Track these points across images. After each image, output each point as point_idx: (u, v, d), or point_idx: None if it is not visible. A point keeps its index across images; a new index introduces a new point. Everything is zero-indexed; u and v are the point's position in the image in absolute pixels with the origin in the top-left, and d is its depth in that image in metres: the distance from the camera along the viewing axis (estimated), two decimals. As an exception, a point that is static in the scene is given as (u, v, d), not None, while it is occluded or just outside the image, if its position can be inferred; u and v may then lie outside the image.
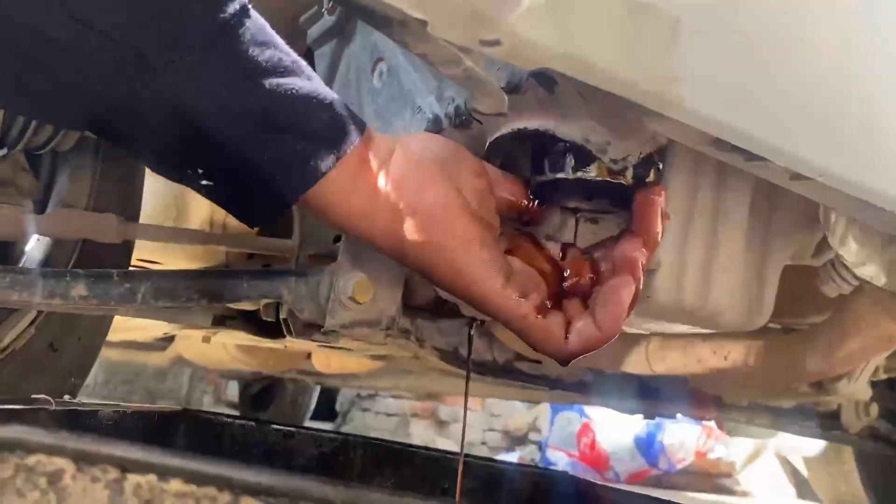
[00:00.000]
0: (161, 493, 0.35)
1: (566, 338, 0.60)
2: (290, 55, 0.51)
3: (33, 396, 0.64)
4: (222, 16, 0.46)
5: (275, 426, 1.07)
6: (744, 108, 0.42)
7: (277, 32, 1.03)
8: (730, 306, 0.85)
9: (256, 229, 1.31)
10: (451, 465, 1.09)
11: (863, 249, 0.75)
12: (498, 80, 0.70)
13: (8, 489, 0.34)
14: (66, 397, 0.69)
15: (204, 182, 0.52)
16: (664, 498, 0.83)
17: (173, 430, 0.97)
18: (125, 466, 0.35)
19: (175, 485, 0.36)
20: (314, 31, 0.96)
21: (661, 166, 0.74)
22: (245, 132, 0.49)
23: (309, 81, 0.51)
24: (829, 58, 0.42)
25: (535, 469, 1.09)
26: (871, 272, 0.74)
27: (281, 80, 0.49)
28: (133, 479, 0.35)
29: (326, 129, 0.52)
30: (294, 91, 0.50)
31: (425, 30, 0.38)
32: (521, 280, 0.60)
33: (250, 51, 0.48)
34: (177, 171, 0.53)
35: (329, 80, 0.92)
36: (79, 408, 0.69)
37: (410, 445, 1.13)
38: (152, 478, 0.36)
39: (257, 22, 0.49)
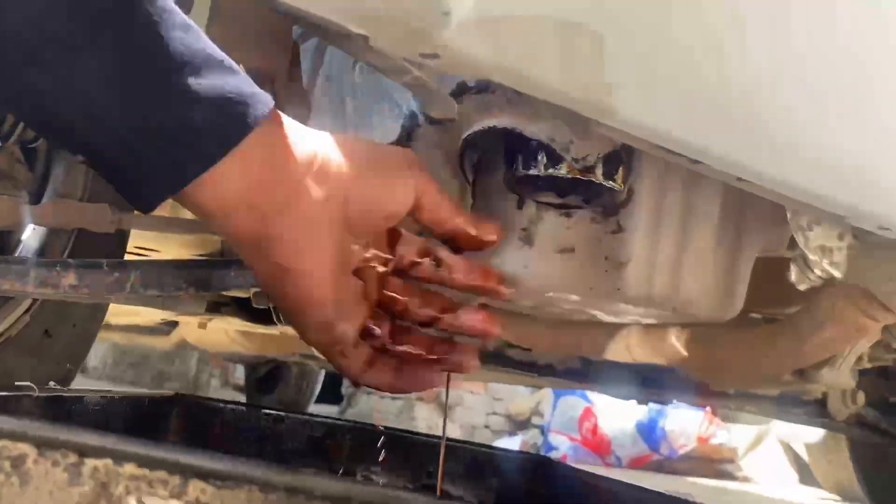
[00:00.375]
0: (116, 476, 0.38)
1: (366, 369, 0.59)
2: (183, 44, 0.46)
3: (17, 384, 0.67)
4: (101, 7, 0.44)
5: (266, 411, 1.09)
6: (675, 115, 0.44)
7: (264, 27, 1.03)
8: (700, 299, 0.87)
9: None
10: (437, 449, 1.11)
11: (823, 245, 0.77)
12: (468, 78, 0.72)
13: (-25, 472, 0.37)
14: (52, 384, 0.72)
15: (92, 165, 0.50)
16: (631, 482, 0.86)
17: (165, 416, 1.00)
18: (83, 451, 0.38)
19: (129, 468, 0.38)
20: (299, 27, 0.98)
21: (628, 165, 0.76)
22: (108, 135, 0.46)
23: (196, 78, 0.47)
24: (758, 63, 0.44)
25: (519, 453, 1.12)
26: (832, 267, 0.76)
27: (157, 79, 0.46)
28: (90, 462, 0.38)
29: (205, 128, 0.47)
30: (166, 90, 0.46)
31: (368, 44, 0.40)
32: (349, 314, 0.57)
33: (125, 48, 0.45)
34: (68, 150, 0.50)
35: (313, 75, 0.95)
36: (63, 394, 0.72)
37: (397, 430, 1.16)
38: (108, 461, 0.38)
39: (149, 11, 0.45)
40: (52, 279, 0.83)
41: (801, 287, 0.88)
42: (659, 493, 0.84)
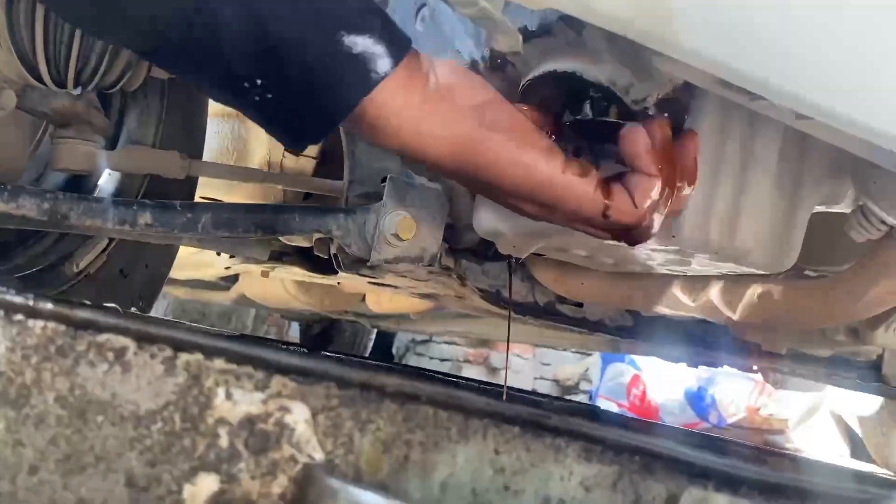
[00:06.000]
0: (207, 370, 0.42)
1: (635, 206, 0.63)
2: None
3: (104, 305, 0.72)
4: None
5: (327, 354, 1.14)
6: (738, 46, 0.45)
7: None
8: (756, 248, 0.87)
9: (311, 170, 1.37)
10: (491, 395, 1.15)
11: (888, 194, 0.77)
12: (529, 22, 0.74)
13: (82, 361, 0.41)
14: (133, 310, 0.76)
15: (258, 97, 0.53)
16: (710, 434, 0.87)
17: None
18: (177, 346, 0.42)
19: (218, 363, 0.42)
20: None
21: (685, 109, 0.77)
22: (308, 33, 0.51)
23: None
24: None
25: (571, 403, 1.14)
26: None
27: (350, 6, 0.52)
28: (184, 356, 0.42)
29: (383, 33, 0.54)
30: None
31: (440, -28, 0.42)
32: (577, 162, 0.63)
33: None
34: (234, 86, 0.54)
35: (377, 26, 0.97)
36: (143, 317, 0.77)
37: (457, 377, 1.19)
38: (200, 356, 0.42)
39: None
40: (130, 217, 0.88)
41: (859, 239, 0.88)
42: (701, 434, 0.86)
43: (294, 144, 0.59)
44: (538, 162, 0.61)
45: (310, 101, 0.54)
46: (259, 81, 0.53)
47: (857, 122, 0.50)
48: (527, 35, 0.75)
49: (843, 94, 0.48)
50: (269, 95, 0.53)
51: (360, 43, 0.53)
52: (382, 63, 0.54)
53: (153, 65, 0.91)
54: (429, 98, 0.58)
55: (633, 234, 0.66)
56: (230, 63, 0.52)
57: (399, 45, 0.55)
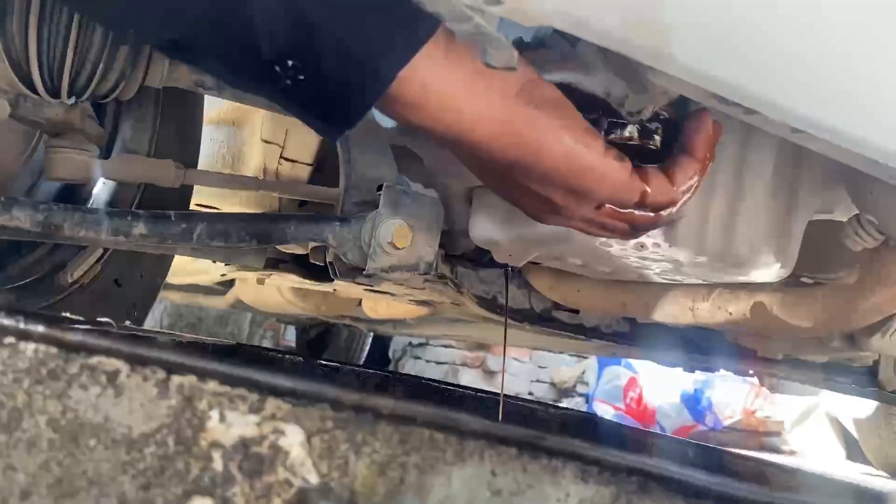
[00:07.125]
0: (200, 392, 0.42)
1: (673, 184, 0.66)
2: None
3: (98, 319, 0.72)
4: None
5: (321, 362, 1.14)
6: (732, 61, 0.45)
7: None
8: (752, 255, 0.87)
9: (307, 177, 1.37)
10: (487, 403, 1.15)
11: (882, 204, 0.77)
12: (524, 34, 0.73)
13: (74, 384, 0.41)
14: (127, 323, 0.76)
15: (290, 81, 0.51)
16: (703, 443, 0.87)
17: (226, 362, 1.05)
18: (170, 368, 0.42)
19: (212, 385, 0.42)
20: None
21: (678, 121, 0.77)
22: (340, 8, 0.49)
23: None
24: (819, 8, 0.44)
25: (565, 410, 1.14)
26: (892, 227, 0.76)
27: None
28: (177, 379, 0.42)
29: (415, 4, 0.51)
30: None
31: (433, -11, 0.42)
32: (614, 148, 0.63)
33: None
34: (265, 71, 0.51)
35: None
36: (137, 333, 0.77)
37: (450, 384, 1.19)
38: (193, 378, 0.42)
39: None
40: (124, 228, 0.87)
41: (854, 248, 0.88)
42: (701, 447, 0.86)
43: (329, 129, 0.56)
44: (583, 143, 0.60)
45: (345, 79, 0.51)
46: (290, 63, 0.50)
47: (853, 137, 0.50)
48: (521, 47, 0.75)
49: (838, 108, 0.48)
50: (302, 77, 0.51)
51: (393, 15, 0.50)
52: (417, 33, 0.51)
53: (175, 59, 0.86)
54: (477, 72, 0.55)
55: (653, 219, 0.68)
56: (261, 47, 0.49)
57: (431, 15, 0.52)
